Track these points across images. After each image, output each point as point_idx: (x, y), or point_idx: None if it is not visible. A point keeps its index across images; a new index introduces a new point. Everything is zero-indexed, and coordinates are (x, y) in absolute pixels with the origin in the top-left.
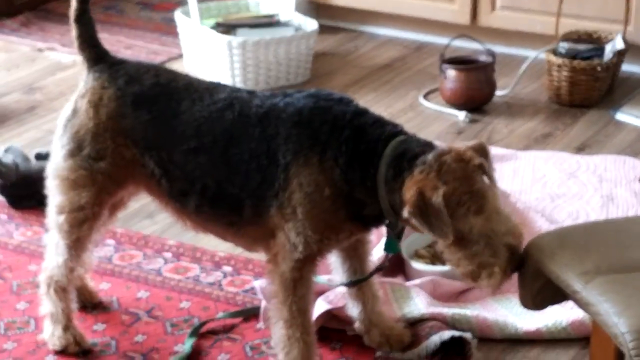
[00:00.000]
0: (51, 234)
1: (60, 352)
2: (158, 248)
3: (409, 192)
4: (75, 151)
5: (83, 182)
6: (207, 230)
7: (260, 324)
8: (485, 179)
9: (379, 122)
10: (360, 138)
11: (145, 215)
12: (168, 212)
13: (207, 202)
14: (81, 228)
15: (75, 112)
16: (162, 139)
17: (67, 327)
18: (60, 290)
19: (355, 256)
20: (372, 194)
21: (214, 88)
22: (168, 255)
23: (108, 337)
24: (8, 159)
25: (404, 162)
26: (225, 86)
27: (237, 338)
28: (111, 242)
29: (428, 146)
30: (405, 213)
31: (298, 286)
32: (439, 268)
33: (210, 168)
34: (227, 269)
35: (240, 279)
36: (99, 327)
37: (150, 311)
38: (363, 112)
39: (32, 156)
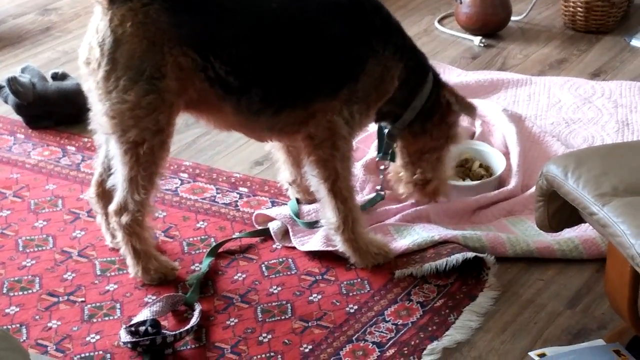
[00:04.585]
0: (121, 173)
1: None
2: (174, 169)
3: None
4: (136, 77)
5: (155, 105)
6: (257, 125)
7: (277, 244)
8: None
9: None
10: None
11: None
12: (218, 119)
13: (277, 92)
14: (162, 151)
15: (118, 41)
16: (233, 35)
17: (157, 257)
18: (141, 226)
19: None
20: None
21: None
22: (184, 176)
23: None
24: (25, 79)
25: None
26: None
27: (254, 258)
28: None
29: None
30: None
31: (351, 165)
32: (465, 183)
33: (286, 60)
34: (243, 190)
35: (256, 200)
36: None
37: (167, 230)
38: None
39: (48, 77)
